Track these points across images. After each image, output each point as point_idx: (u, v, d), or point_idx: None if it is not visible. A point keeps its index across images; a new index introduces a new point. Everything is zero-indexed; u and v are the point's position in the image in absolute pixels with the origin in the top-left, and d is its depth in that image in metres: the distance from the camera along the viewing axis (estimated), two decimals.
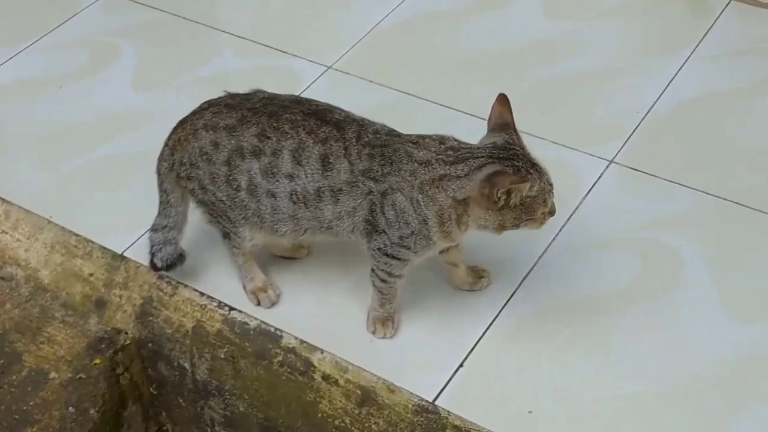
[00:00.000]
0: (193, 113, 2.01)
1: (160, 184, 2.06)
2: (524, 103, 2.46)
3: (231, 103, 1.97)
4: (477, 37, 2.70)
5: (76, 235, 2.26)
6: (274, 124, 1.90)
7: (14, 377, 2.14)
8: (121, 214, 2.30)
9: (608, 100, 2.46)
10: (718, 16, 2.67)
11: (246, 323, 2.06)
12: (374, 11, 2.81)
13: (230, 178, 1.93)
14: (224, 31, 2.80)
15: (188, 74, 2.66)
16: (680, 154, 2.31)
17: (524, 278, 2.06)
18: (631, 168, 2.28)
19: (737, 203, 2.17)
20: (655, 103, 2.44)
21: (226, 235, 2.04)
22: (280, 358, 2.02)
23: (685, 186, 2.22)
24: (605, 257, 2.10)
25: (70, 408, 2.09)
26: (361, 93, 2.54)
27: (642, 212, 2.18)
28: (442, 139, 1.87)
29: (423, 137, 1.87)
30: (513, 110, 2.45)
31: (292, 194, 1.89)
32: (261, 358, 2.04)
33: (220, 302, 2.09)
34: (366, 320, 2.01)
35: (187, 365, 2.14)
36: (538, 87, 2.52)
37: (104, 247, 2.23)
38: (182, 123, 2.01)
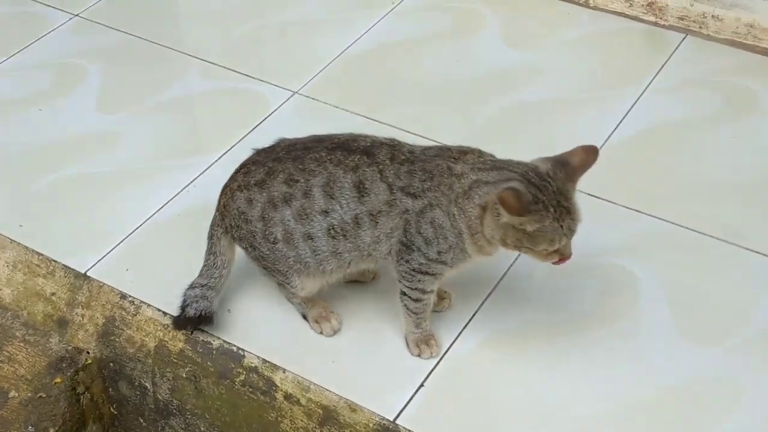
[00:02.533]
0: (230, 177, 2.04)
1: (210, 248, 2.06)
2: (485, 130, 2.53)
3: (258, 159, 2.00)
4: (440, 65, 2.75)
5: (39, 254, 2.26)
6: (300, 167, 1.92)
7: None
8: (84, 234, 2.31)
9: (567, 129, 2.52)
10: (675, 50, 2.75)
11: (209, 342, 2.06)
12: (339, 39, 2.85)
13: (266, 233, 1.95)
14: (191, 55, 2.83)
15: (154, 96, 2.68)
16: (637, 182, 2.36)
17: (484, 301, 2.10)
18: (590, 195, 2.32)
19: (692, 229, 2.23)
20: (613, 132, 2.50)
21: (280, 285, 2.05)
22: (242, 377, 2.03)
23: (642, 212, 2.28)
24: (565, 281, 2.14)
25: (30, 427, 2.08)
26: (327, 118, 2.58)
27: (600, 238, 2.23)
28: (481, 153, 1.90)
29: (464, 152, 1.89)
30: (475, 135, 2.51)
31: (329, 229, 1.91)
32: (223, 378, 2.04)
33: None
34: (406, 346, 2.00)
35: (148, 385, 2.14)
36: (499, 114, 2.57)
37: (67, 267, 2.23)
38: (224, 188, 2.05)
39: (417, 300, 1.94)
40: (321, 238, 1.92)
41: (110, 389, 2.21)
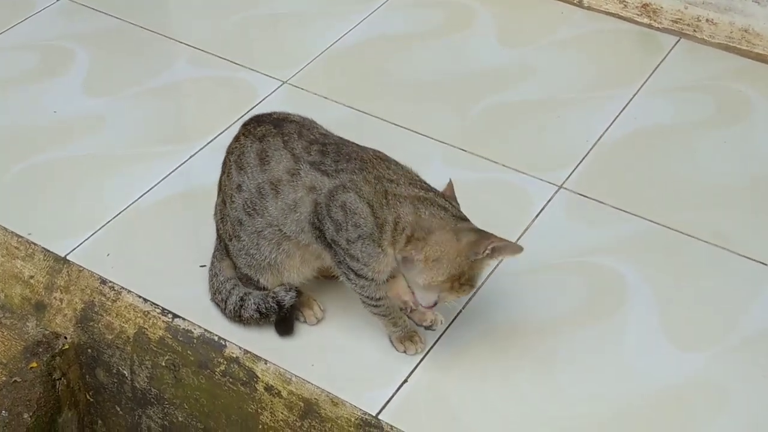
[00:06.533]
0: None
1: None
2: (476, 127, 2.51)
3: None
4: (431, 61, 2.73)
5: (18, 236, 2.22)
6: (228, 151, 1.95)
7: None
8: (66, 217, 2.26)
9: (559, 128, 2.50)
10: (668, 53, 2.73)
11: (189, 331, 2.03)
12: (331, 31, 2.82)
13: (223, 234, 1.97)
14: (180, 42, 2.79)
15: (142, 81, 2.64)
16: (627, 183, 2.34)
17: (471, 297, 2.06)
18: (580, 194, 2.31)
19: (681, 232, 2.21)
20: (604, 132, 2.48)
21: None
22: (222, 367, 1.99)
23: (631, 213, 2.26)
24: (551, 280, 2.12)
25: (3, 412, 2.04)
26: (316, 109, 2.51)
27: (589, 237, 2.21)
28: (410, 170, 1.87)
29: (384, 157, 1.87)
30: (465, 132, 2.46)
31: (245, 206, 1.88)
32: (203, 367, 2.01)
33: (163, 309, 2.06)
34: (391, 345, 1.95)
35: (126, 372, 2.10)
36: (490, 111, 2.55)
37: (47, 250, 2.19)
38: None
39: (375, 306, 1.89)
40: (245, 219, 1.89)
41: (87, 376, 2.16)
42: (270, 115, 1.95)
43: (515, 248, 1.79)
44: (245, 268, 1.96)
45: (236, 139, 1.94)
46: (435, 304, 1.84)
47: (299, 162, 1.82)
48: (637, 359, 1.96)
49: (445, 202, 1.83)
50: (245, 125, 1.95)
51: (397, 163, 1.87)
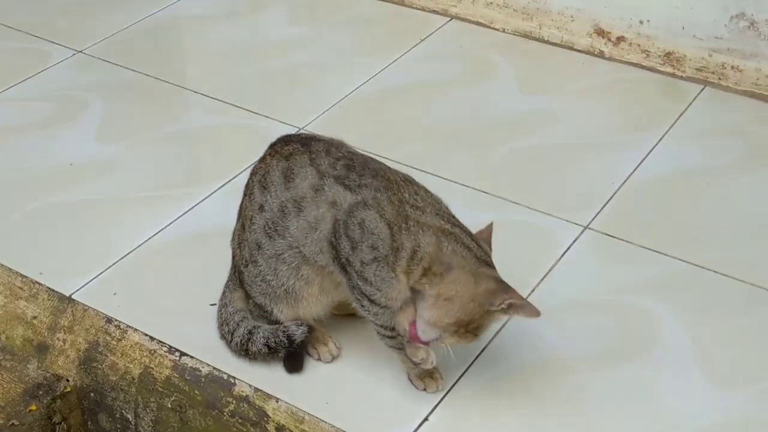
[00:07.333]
0: None
1: None
2: (498, 170, 2.44)
3: None
4: (452, 109, 2.67)
5: (23, 276, 2.14)
6: (253, 171, 1.88)
7: None
8: (72, 257, 2.19)
9: (583, 171, 2.42)
10: (693, 100, 2.67)
11: (197, 369, 1.92)
12: (348, 81, 2.78)
13: (241, 260, 1.89)
14: (196, 92, 2.75)
15: (154, 129, 2.59)
16: (656, 223, 2.25)
17: (495, 335, 1.96)
18: (606, 234, 2.21)
19: (713, 271, 2.10)
20: (630, 175, 2.39)
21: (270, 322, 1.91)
22: (231, 407, 1.87)
23: (661, 253, 2.16)
24: (579, 320, 2.01)
25: None
26: None
27: (617, 277, 2.11)
28: (439, 200, 1.79)
29: (413, 181, 1.80)
30: (487, 175, 2.40)
31: (265, 227, 1.80)
32: (211, 408, 1.89)
33: (170, 347, 1.96)
34: (410, 383, 1.84)
35: (130, 416, 1.99)
36: (512, 156, 2.48)
37: (51, 289, 2.10)
38: None
39: (389, 337, 1.78)
40: (264, 242, 1.80)
41: (89, 422, 2.05)
42: (298, 135, 1.90)
43: (533, 311, 1.70)
44: (259, 296, 1.86)
45: (262, 159, 1.87)
46: (434, 340, 1.74)
47: (324, 177, 1.75)
48: (672, 399, 1.84)
49: (472, 242, 1.74)
50: (272, 145, 1.88)
51: (426, 191, 1.79)
